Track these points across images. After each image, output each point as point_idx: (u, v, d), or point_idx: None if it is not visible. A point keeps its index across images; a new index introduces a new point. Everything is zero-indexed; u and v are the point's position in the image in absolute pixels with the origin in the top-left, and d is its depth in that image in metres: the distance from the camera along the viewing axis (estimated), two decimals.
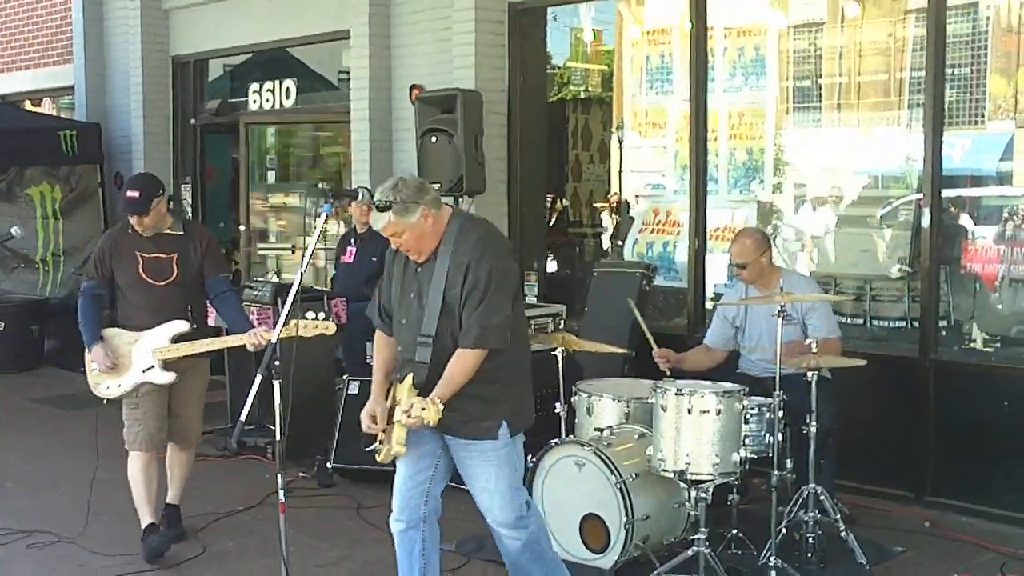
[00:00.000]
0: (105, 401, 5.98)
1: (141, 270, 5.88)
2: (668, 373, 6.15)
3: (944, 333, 6.96)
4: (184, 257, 5.93)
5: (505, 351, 4.36)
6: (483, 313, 4.27)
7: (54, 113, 14.01)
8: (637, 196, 9.34)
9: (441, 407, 4.19)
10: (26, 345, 11.42)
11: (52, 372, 11.16)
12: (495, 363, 4.35)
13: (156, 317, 5.88)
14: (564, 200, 10.53)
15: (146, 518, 5.96)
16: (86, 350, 5.97)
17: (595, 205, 10.55)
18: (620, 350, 6.61)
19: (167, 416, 6.00)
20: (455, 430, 4.40)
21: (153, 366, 5.84)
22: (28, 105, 14.28)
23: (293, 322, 5.15)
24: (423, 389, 4.30)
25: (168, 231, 5.94)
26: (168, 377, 5.85)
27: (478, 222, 4.54)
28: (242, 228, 11.20)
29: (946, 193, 6.90)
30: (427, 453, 4.50)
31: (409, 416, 4.20)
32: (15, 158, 11.70)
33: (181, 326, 5.86)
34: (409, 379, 4.35)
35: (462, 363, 4.29)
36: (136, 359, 5.87)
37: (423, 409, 4.16)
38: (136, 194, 5.81)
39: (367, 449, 4.62)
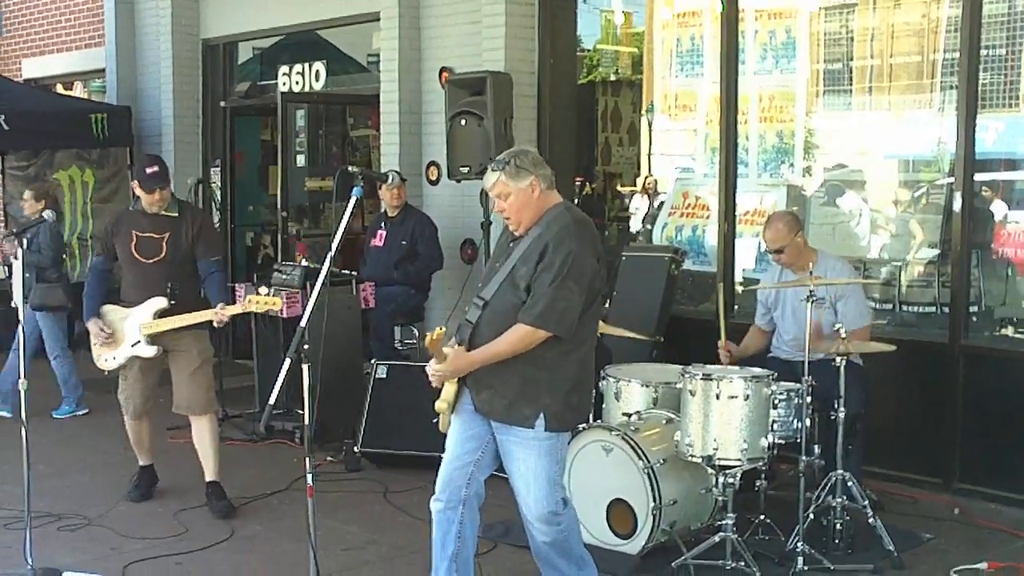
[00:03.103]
0: (107, 373, 6.41)
1: (133, 248, 6.27)
2: (731, 353, 6.21)
3: (975, 319, 6.89)
4: (175, 237, 6.28)
5: (570, 345, 4.34)
6: (551, 294, 4.23)
7: (84, 96, 14.04)
8: (667, 179, 9.30)
9: (458, 349, 4.33)
10: None
11: (81, 355, 11.16)
12: (555, 352, 4.31)
13: (143, 293, 6.27)
14: (593, 183, 10.50)
15: (140, 461, 6.64)
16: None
17: (624, 188, 10.51)
18: (644, 337, 6.60)
19: (154, 389, 6.46)
20: (498, 413, 4.40)
21: (139, 341, 6.24)
22: (59, 88, 14.32)
23: (248, 298, 6.02)
24: (465, 348, 4.38)
25: (164, 212, 6.30)
26: (152, 351, 6.24)
27: (577, 215, 4.47)
28: (283, 214, 10.38)
29: (979, 177, 6.82)
30: (475, 436, 4.50)
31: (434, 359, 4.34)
32: (47, 141, 11.73)
33: (161, 302, 6.21)
34: (454, 339, 4.43)
35: (514, 336, 4.27)
36: (127, 334, 6.29)
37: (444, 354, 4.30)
38: (156, 168, 6.30)
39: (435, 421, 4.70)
